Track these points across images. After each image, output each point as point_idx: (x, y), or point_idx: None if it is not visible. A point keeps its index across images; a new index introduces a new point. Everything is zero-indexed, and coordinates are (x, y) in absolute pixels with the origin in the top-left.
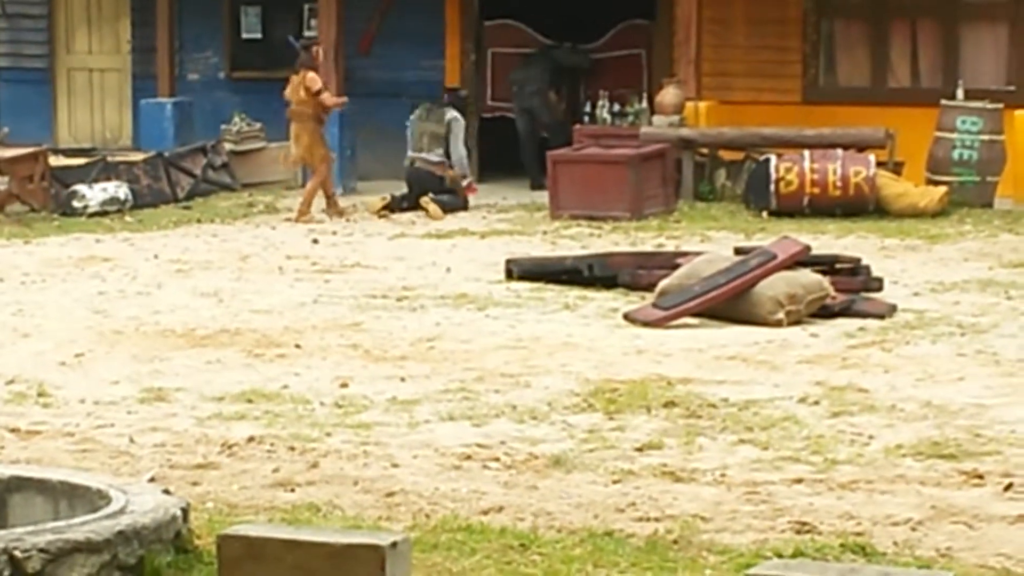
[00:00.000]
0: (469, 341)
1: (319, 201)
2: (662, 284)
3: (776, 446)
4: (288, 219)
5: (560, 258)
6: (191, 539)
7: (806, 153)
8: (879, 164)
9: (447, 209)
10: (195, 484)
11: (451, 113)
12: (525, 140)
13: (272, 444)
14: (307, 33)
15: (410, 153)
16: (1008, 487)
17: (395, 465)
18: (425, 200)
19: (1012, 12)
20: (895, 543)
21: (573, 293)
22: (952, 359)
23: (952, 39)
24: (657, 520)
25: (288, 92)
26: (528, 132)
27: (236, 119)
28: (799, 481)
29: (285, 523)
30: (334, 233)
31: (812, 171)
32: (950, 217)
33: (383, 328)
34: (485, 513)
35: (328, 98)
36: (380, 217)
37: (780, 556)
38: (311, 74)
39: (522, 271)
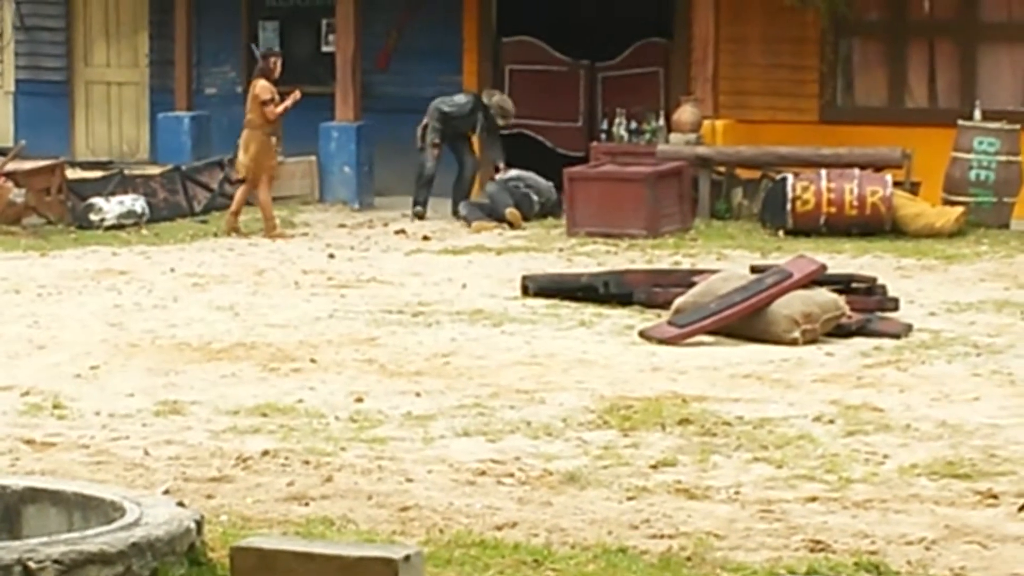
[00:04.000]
0: (484, 357)
1: (335, 213)
2: (678, 302)
3: (790, 464)
4: (304, 234)
5: (576, 275)
6: (205, 552)
7: (823, 172)
8: (896, 184)
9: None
10: (209, 497)
11: None
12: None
13: (287, 458)
14: (325, 48)
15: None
16: (1023, 507)
17: (409, 480)
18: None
19: None
20: (909, 562)
21: (589, 310)
22: (967, 379)
23: (970, 59)
24: (671, 537)
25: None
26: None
27: None
28: (813, 499)
29: (299, 536)
30: (351, 248)
31: (829, 190)
32: (967, 237)
33: (398, 343)
34: (499, 529)
35: (271, 112)
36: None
37: (793, 574)
38: (262, 82)
39: (538, 288)
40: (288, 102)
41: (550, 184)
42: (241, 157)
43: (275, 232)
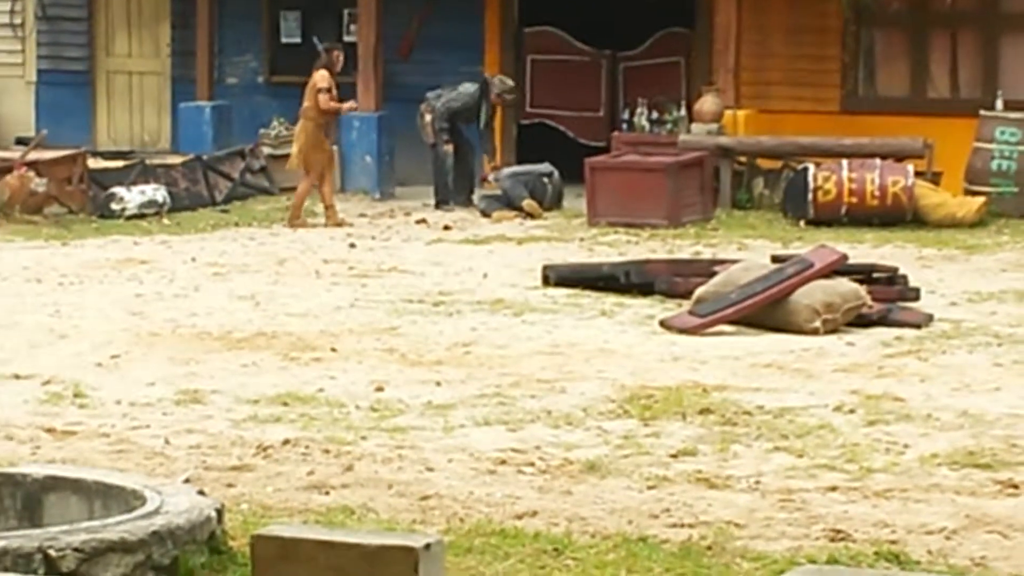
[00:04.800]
0: (505, 346)
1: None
2: (699, 291)
3: (811, 454)
4: (325, 224)
5: (597, 265)
6: (225, 540)
7: (844, 162)
8: (917, 174)
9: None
10: (230, 486)
11: None
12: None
13: (307, 447)
14: (347, 38)
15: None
16: None
17: (430, 469)
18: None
19: None
20: (929, 552)
21: (610, 299)
22: (988, 369)
23: (992, 50)
24: (691, 526)
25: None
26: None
27: (275, 123)
28: (834, 489)
29: (319, 525)
30: (372, 238)
31: (850, 180)
32: (988, 227)
33: (419, 332)
34: (519, 518)
35: (324, 100)
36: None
37: (814, 563)
38: (321, 71)
39: (559, 277)
40: (344, 106)
41: (550, 167)
42: (293, 148)
43: (298, 222)
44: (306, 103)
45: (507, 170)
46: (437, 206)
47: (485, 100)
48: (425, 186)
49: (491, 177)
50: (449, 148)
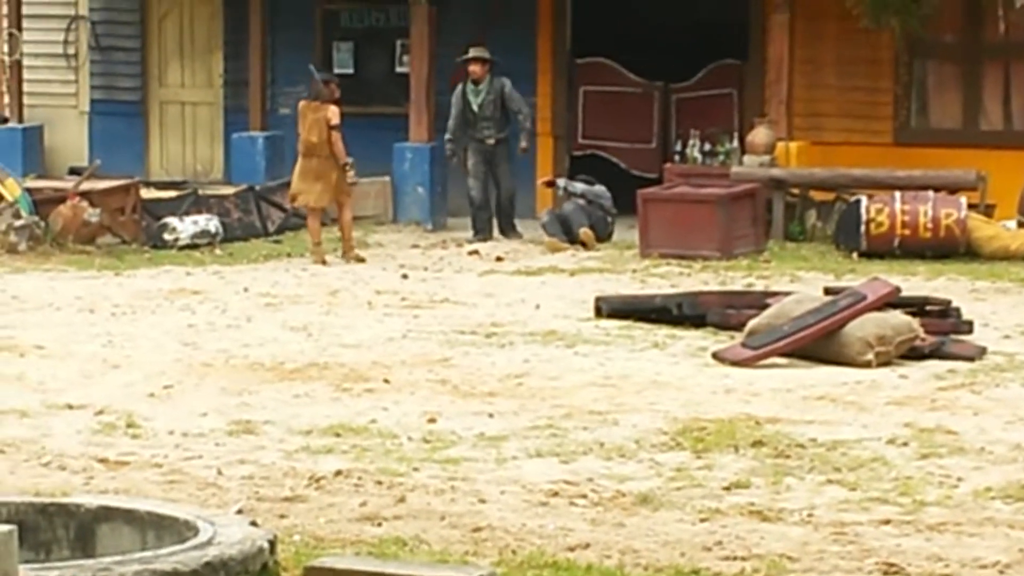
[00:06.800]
0: (558, 378)
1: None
2: (751, 323)
3: (864, 487)
4: (378, 254)
5: (649, 296)
6: (278, 571)
7: (897, 195)
8: (970, 206)
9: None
10: (282, 517)
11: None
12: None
13: (359, 478)
14: (399, 69)
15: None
16: None
17: (482, 501)
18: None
19: None
20: None
21: (662, 331)
22: None
23: None
24: (744, 559)
25: (305, 128)
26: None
27: None
28: (887, 522)
29: (372, 556)
30: (424, 269)
31: (903, 213)
32: None
33: (472, 364)
34: (572, 550)
35: (337, 138)
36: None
37: None
38: (334, 107)
39: (611, 309)
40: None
41: (607, 192)
42: (320, 187)
43: (353, 254)
44: (315, 138)
45: (580, 186)
46: (472, 236)
47: (464, 83)
48: None
49: (560, 184)
50: (466, 174)
